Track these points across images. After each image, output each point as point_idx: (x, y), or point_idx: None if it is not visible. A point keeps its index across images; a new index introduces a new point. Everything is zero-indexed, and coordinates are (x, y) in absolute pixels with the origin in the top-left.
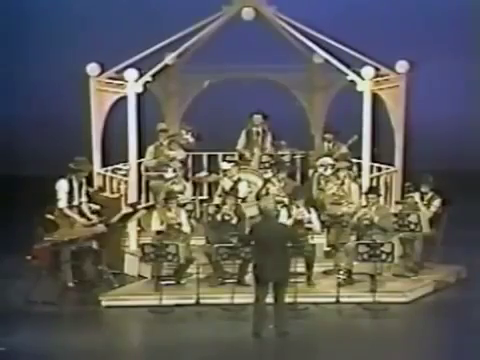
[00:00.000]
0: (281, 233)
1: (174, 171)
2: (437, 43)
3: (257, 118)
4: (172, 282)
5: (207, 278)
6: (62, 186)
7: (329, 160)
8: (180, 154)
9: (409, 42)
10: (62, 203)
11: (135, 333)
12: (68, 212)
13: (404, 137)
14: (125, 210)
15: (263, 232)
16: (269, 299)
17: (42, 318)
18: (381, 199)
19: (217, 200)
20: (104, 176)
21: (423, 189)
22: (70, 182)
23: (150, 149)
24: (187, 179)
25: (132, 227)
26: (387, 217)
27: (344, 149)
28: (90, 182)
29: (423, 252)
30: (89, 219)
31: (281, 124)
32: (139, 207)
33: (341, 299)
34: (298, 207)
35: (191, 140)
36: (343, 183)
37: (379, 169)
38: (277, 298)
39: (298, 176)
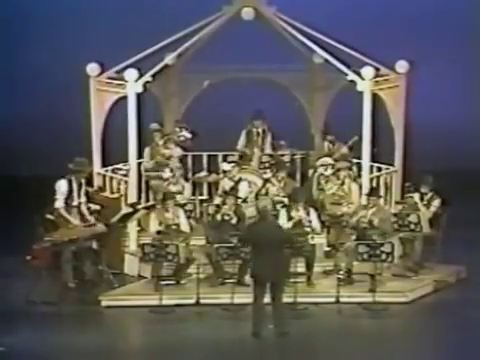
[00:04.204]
0: (277, 233)
1: (171, 171)
2: (437, 43)
3: (258, 123)
4: (172, 282)
5: (207, 278)
6: (61, 186)
7: (329, 160)
8: (177, 152)
9: (409, 42)
10: (59, 203)
11: (135, 333)
12: (63, 213)
13: (404, 137)
14: (125, 210)
15: (259, 232)
16: (267, 299)
17: (42, 318)
18: (381, 200)
19: (217, 200)
20: (104, 176)
21: (423, 189)
22: (70, 182)
23: (146, 151)
24: (187, 179)
25: (132, 227)
26: (386, 220)
27: (344, 149)
28: (90, 182)
29: (423, 252)
30: (86, 220)
31: (281, 124)
32: (139, 207)
33: (341, 299)
34: (298, 209)
35: (188, 136)
36: (343, 183)
37: (379, 169)
38: (274, 298)
39: (298, 176)
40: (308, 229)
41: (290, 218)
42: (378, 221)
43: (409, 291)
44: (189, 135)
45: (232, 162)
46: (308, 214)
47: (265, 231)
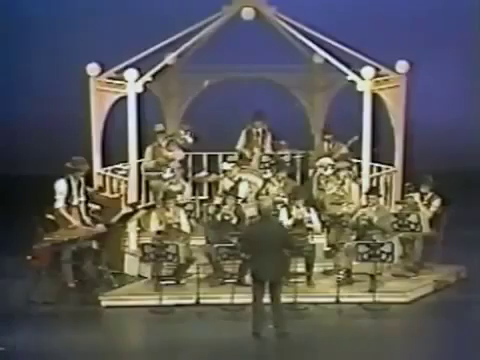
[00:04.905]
0: (277, 233)
1: (172, 171)
2: (437, 43)
3: (258, 123)
4: (172, 282)
5: (207, 278)
6: (59, 186)
7: (329, 160)
8: (179, 155)
9: (409, 42)
10: (58, 203)
11: (135, 333)
12: (63, 213)
13: (404, 137)
14: (125, 210)
15: (259, 232)
16: (267, 299)
17: (42, 318)
18: (381, 199)
19: (217, 200)
20: (104, 176)
21: (423, 189)
22: (68, 182)
23: (148, 150)
24: (187, 179)
25: (132, 227)
26: (386, 218)
27: (344, 149)
28: (90, 182)
29: (423, 252)
30: (84, 220)
31: (281, 124)
32: (139, 207)
33: (341, 299)
34: (298, 207)
35: (190, 140)
36: (343, 183)
37: (379, 169)
38: (273, 298)
39: (298, 176)
40: (309, 225)
41: (290, 216)
42: (378, 219)
43: (409, 291)
44: (191, 140)
45: (232, 162)
46: (308, 212)
47: (266, 231)
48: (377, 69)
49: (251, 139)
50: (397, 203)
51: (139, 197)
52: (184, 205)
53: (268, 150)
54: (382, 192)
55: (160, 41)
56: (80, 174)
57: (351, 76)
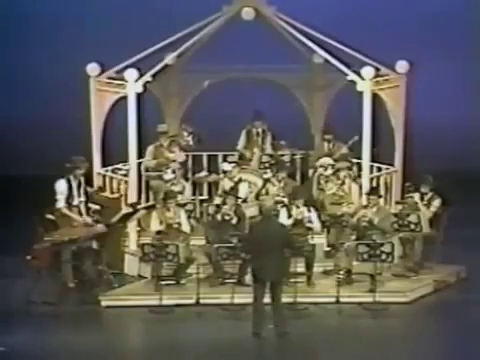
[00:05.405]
0: (279, 234)
1: (173, 172)
2: (437, 43)
3: (258, 123)
4: (172, 282)
5: (207, 278)
6: (60, 186)
7: (329, 160)
8: (180, 157)
9: (409, 42)
10: (60, 203)
11: (135, 333)
12: (66, 212)
13: (404, 137)
14: (125, 210)
15: (261, 232)
16: (268, 299)
17: (42, 318)
18: (381, 199)
19: (217, 200)
20: (104, 176)
21: (423, 189)
22: (68, 182)
23: (150, 149)
24: (187, 179)
25: (132, 227)
26: (386, 219)
27: (344, 149)
28: (90, 182)
29: (423, 252)
30: (85, 220)
31: (281, 124)
32: (139, 207)
33: (341, 299)
34: (298, 207)
35: (191, 143)
36: (343, 183)
37: (379, 169)
38: (274, 298)
39: (298, 176)
40: (309, 225)
41: (290, 216)
42: (378, 220)
43: (409, 291)
44: (192, 143)
45: (232, 162)
46: (308, 212)
47: (268, 231)
48: (377, 69)
49: (251, 139)
50: (397, 203)
51: (139, 197)
52: (184, 205)
53: (268, 150)
54: (382, 192)
55: (160, 41)
56: (80, 173)
57: (351, 76)
